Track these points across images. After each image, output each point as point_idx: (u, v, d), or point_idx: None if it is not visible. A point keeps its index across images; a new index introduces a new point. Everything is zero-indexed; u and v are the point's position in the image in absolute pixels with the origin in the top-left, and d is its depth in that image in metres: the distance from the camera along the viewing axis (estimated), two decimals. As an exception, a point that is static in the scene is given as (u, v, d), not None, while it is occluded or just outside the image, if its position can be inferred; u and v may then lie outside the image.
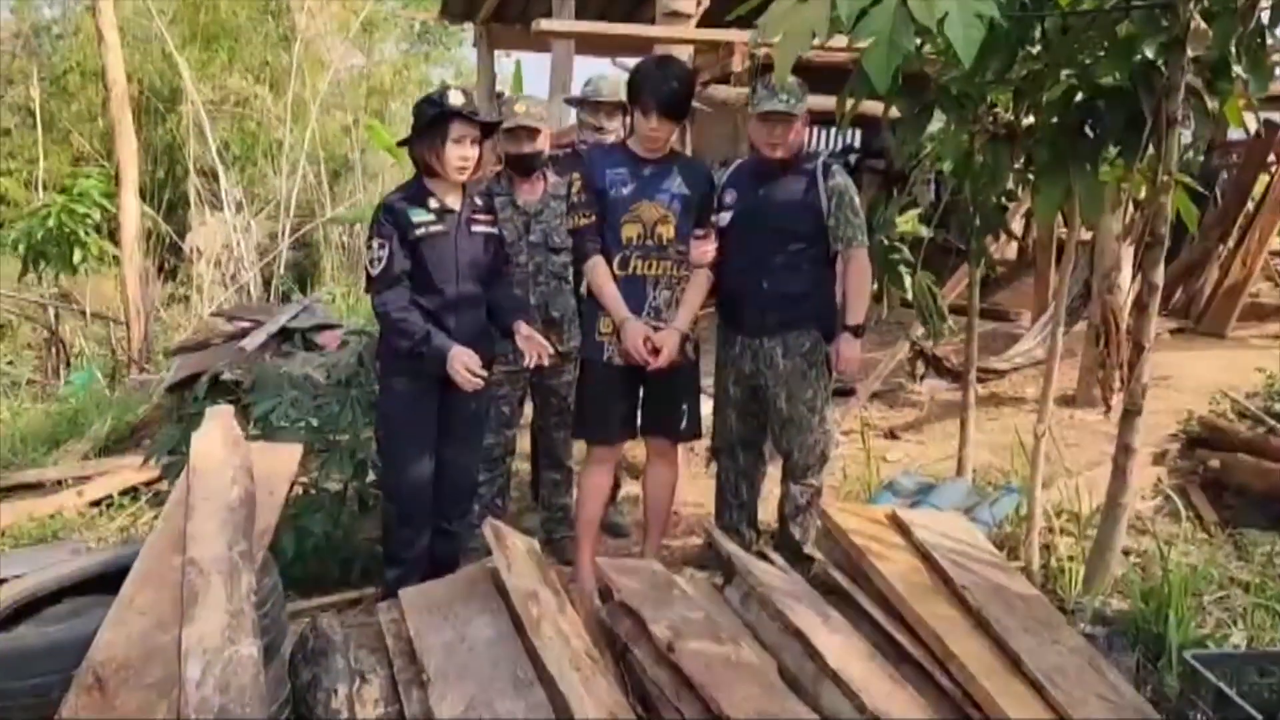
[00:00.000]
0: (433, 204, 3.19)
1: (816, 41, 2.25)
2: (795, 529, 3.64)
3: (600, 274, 3.33)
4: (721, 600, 3.09)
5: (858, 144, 10.30)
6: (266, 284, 13.81)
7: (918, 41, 2.34)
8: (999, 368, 5.79)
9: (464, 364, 3.08)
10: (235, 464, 2.79)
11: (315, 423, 3.88)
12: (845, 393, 5.38)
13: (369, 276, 3.19)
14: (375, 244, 3.14)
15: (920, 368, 5.56)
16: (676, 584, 3.03)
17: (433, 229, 3.17)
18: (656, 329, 3.31)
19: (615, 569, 3.05)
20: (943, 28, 2.07)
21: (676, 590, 2.97)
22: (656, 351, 3.26)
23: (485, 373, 3.16)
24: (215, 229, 13.96)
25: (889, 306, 5.11)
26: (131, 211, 10.46)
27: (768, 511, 3.93)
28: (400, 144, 3.32)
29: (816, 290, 3.49)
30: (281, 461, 3.01)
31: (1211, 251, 7.32)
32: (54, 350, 10.99)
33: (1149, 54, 2.63)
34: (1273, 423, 4.60)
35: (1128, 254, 5.52)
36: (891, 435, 5.44)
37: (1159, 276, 2.89)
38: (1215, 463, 4.15)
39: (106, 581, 2.68)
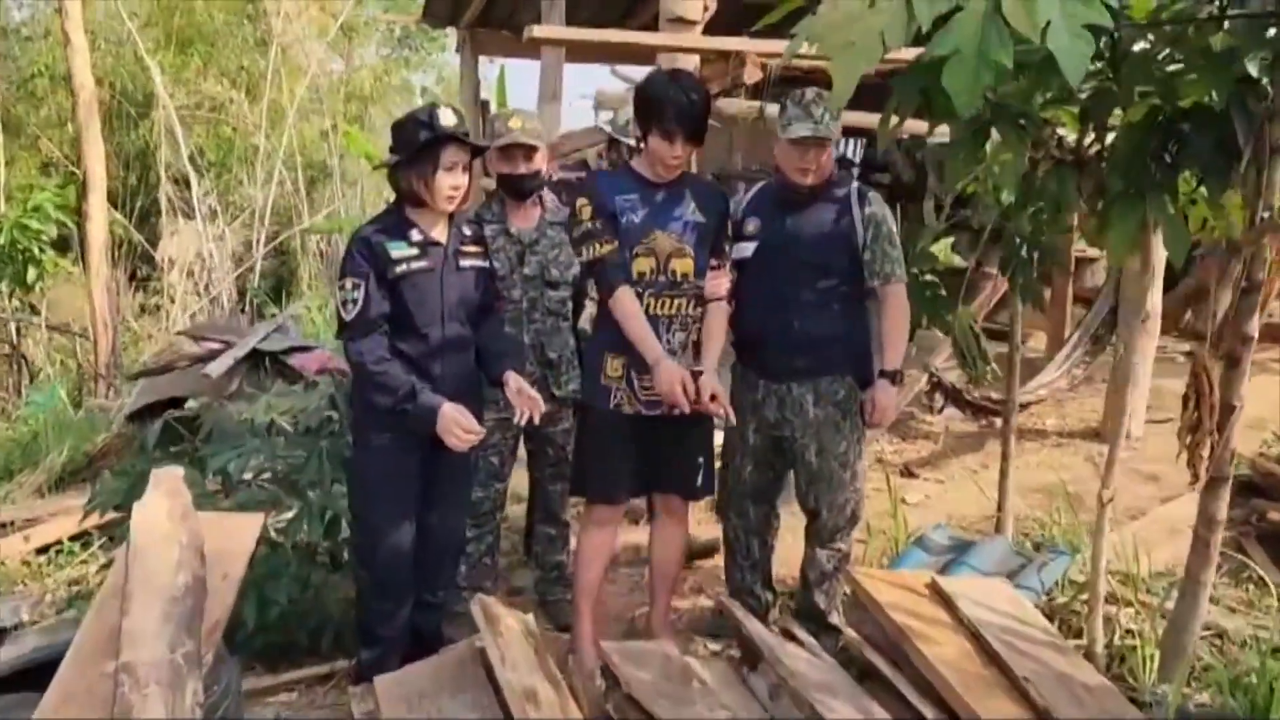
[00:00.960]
0: (416, 236, 2.78)
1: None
2: (820, 597, 3.25)
3: (628, 305, 2.89)
4: (746, 692, 2.70)
5: (855, 156, 9.85)
6: (241, 294, 13.32)
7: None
8: (1020, 400, 5.42)
9: (456, 422, 2.68)
10: (182, 542, 2.38)
11: (281, 469, 3.47)
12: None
13: (341, 321, 2.75)
14: (349, 284, 2.71)
15: (939, 400, 5.19)
16: (694, 673, 2.65)
17: (415, 265, 2.76)
18: (695, 373, 2.89)
19: (623, 655, 2.67)
20: (1044, 39, 1.70)
21: (695, 682, 2.60)
22: (713, 398, 2.86)
23: (480, 428, 2.76)
24: (188, 238, 13.47)
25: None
26: (99, 220, 9.98)
27: (781, 563, 3.54)
28: (377, 168, 2.90)
29: (850, 331, 3.11)
30: (238, 535, 2.61)
31: (1224, 271, 6.98)
32: (16, 366, 10.45)
33: (1252, 71, 2.27)
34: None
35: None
36: (908, 473, 5.08)
37: (1254, 327, 2.54)
38: (1276, 515, 3.78)
39: (41, 669, 2.30)
